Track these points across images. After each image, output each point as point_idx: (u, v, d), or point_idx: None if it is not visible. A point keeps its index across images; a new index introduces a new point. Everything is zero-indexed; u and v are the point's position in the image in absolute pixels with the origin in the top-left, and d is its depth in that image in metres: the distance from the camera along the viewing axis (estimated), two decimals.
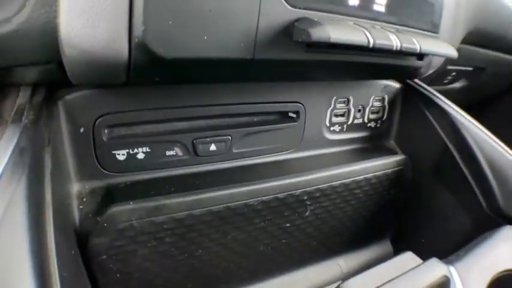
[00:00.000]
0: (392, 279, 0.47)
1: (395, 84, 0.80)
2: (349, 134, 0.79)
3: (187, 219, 0.56)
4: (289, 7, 0.47)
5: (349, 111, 0.76)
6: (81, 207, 0.53)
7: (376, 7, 0.55)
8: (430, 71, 0.74)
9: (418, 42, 0.55)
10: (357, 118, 0.78)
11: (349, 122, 0.77)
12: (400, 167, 0.78)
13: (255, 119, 0.66)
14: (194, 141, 0.59)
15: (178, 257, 0.60)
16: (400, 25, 0.58)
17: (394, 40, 0.51)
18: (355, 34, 0.48)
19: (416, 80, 0.82)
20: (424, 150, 0.79)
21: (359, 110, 0.77)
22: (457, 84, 1.18)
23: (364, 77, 0.73)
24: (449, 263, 0.52)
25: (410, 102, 0.81)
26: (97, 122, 0.52)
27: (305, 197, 0.67)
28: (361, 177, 0.73)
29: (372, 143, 0.83)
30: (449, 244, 0.65)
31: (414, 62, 0.66)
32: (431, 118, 0.77)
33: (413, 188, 0.82)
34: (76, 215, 0.52)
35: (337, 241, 0.80)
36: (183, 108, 0.57)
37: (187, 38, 0.42)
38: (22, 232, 0.33)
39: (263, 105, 0.65)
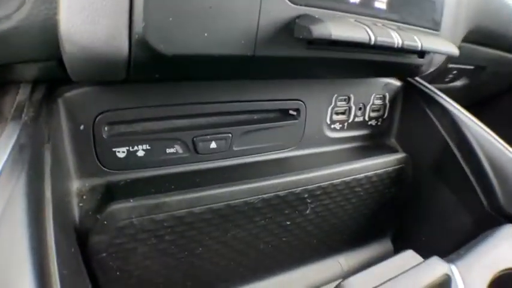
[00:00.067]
0: (393, 278, 0.47)
1: (396, 82, 0.80)
2: (349, 132, 0.78)
3: (187, 217, 0.56)
4: (290, 4, 0.47)
5: (350, 109, 0.76)
6: (81, 204, 0.53)
7: (377, 4, 0.55)
8: (431, 69, 0.74)
9: (419, 40, 0.54)
10: (357, 116, 0.77)
11: (350, 120, 0.77)
12: (400, 165, 0.78)
13: (256, 116, 0.65)
14: (194, 138, 0.59)
15: (179, 255, 0.60)
16: (401, 22, 0.58)
17: (395, 37, 0.51)
18: (357, 31, 0.48)
19: (417, 78, 0.82)
20: (425, 149, 0.79)
21: (360, 108, 0.77)
22: (457, 83, 1.18)
23: (365, 75, 0.72)
24: (450, 261, 0.52)
25: (411, 100, 0.81)
26: (97, 119, 0.52)
27: (306, 195, 0.67)
28: (362, 175, 0.72)
29: (373, 141, 0.83)
30: (450, 243, 0.65)
31: (415, 60, 0.66)
32: (432, 116, 0.77)
33: (414, 186, 0.82)
34: (76, 213, 0.52)
35: (337, 239, 0.80)
36: (184, 106, 0.57)
37: (187, 35, 0.42)
38: (22, 229, 0.33)
39: (264, 103, 0.64)
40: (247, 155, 0.67)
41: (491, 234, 0.58)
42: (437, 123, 0.76)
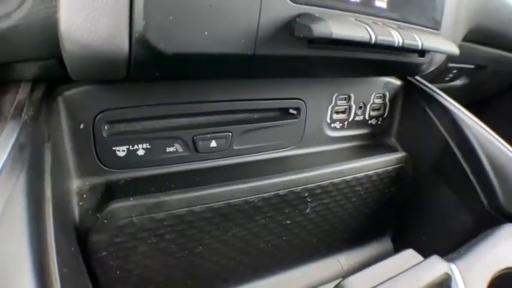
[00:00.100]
0: (394, 277, 0.47)
1: (397, 82, 0.80)
2: (350, 131, 0.78)
3: (187, 215, 0.56)
4: (290, 3, 0.47)
5: (350, 108, 0.76)
6: (81, 203, 0.53)
7: (377, 3, 0.55)
8: (432, 68, 0.74)
9: (419, 39, 0.54)
10: (357, 115, 0.77)
11: (350, 119, 0.77)
12: (400, 164, 0.78)
13: (256, 115, 0.65)
14: (194, 137, 0.59)
15: (179, 253, 0.60)
16: (402, 21, 0.58)
17: (396, 36, 0.51)
18: (357, 30, 0.48)
19: (417, 77, 0.82)
20: (425, 148, 0.79)
21: (360, 107, 0.77)
22: (458, 82, 1.18)
23: (366, 74, 0.72)
24: (450, 260, 0.52)
25: (411, 100, 0.81)
26: (97, 118, 0.52)
27: (306, 194, 0.67)
28: (362, 174, 0.72)
29: (373, 140, 0.83)
30: (450, 242, 0.65)
31: (416, 59, 0.66)
32: (432, 115, 0.77)
33: (414, 186, 0.82)
34: (76, 212, 0.52)
35: (337, 238, 0.80)
36: (184, 105, 0.57)
37: (188, 33, 0.42)
38: (22, 228, 0.33)
39: (264, 102, 0.64)
40: (248, 154, 0.67)
41: (491, 234, 0.58)
42: (437, 122, 0.76)
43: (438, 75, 1.02)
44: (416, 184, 0.81)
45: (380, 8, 0.55)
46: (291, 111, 0.69)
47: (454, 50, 0.62)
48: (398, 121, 0.83)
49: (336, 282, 0.48)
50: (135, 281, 0.58)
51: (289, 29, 0.47)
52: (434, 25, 0.64)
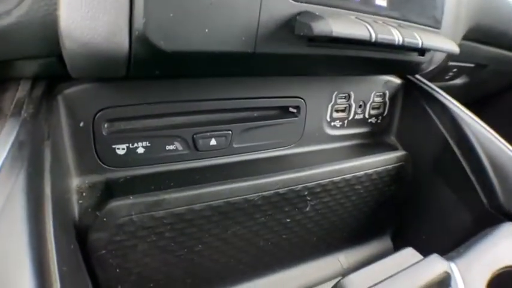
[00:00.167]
0: (393, 275, 0.47)
1: (397, 80, 0.80)
2: (349, 130, 0.78)
3: (187, 214, 0.56)
4: (291, 1, 0.47)
5: (350, 106, 0.76)
6: (80, 201, 0.53)
7: (378, 2, 0.55)
8: (432, 67, 0.74)
9: (420, 37, 0.54)
10: (357, 113, 0.77)
11: (350, 118, 0.77)
12: (400, 163, 0.78)
13: (256, 113, 0.65)
14: (194, 135, 0.59)
15: (178, 252, 0.60)
16: (402, 20, 0.58)
17: (396, 35, 0.51)
18: (358, 28, 0.48)
19: (417, 76, 0.82)
20: (424, 146, 0.79)
21: (360, 106, 0.77)
22: (458, 81, 1.18)
23: (366, 72, 0.72)
24: (450, 259, 0.52)
25: (411, 98, 0.81)
26: (97, 116, 0.52)
27: (305, 193, 0.67)
28: (362, 172, 0.72)
29: (373, 139, 0.83)
30: (449, 241, 0.65)
31: (416, 58, 0.66)
32: (432, 114, 0.77)
33: (413, 184, 0.82)
34: (75, 210, 0.52)
35: (337, 237, 0.80)
36: (184, 103, 0.57)
37: (188, 31, 0.42)
38: (21, 226, 0.33)
39: (264, 100, 0.64)
40: (247, 152, 0.67)
41: (491, 233, 0.58)
42: (437, 121, 0.76)
43: (438, 74, 1.02)
44: (416, 183, 0.81)
45: (380, 7, 0.55)
46: (291, 109, 0.69)
47: (454, 48, 0.62)
48: (398, 120, 0.83)
49: (336, 280, 0.48)
50: (135, 279, 0.58)
51: (290, 27, 0.47)
52: (435, 24, 0.64)
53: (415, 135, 0.81)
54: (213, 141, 0.61)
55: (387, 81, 0.78)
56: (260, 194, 0.62)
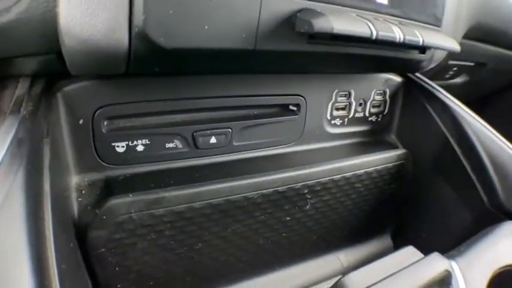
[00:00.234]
0: (394, 274, 0.47)
1: (397, 78, 0.80)
2: (350, 128, 0.78)
3: (187, 212, 0.56)
4: None
5: (350, 104, 0.75)
6: (79, 199, 0.52)
7: None
8: (432, 65, 0.74)
9: (421, 35, 0.54)
10: (358, 112, 0.77)
11: (350, 116, 0.77)
12: (400, 161, 0.78)
13: (256, 111, 0.65)
14: (194, 133, 0.59)
15: (178, 250, 0.60)
16: (403, 18, 0.58)
17: (397, 32, 0.51)
18: (358, 25, 0.48)
19: (417, 74, 0.82)
20: (425, 145, 0.79)
21: (360, 104, 0.77)
22: (458, 80, 1.18)
23: (366, 70, 0.72)
24: (450, 257, 0.52)
25: (412, 96, 0.81)
26: (96, 114, 0.52)
27: (305, 191, 0.66)
28: (362, 171, 0.72)
29: (373, 137, 0.83)
30: (449, 239, 0.65)
31: (416, 56, 0.66)
32: (432, 112, 0.77)
33: (414, 183, 0.82)
34: (75, 208, 0.52)
35: (337, 235, 0.80)
36: (184, 100, 0.57)
37: (188, 28, 0.42)
38: (20, 224, 0.33)
39: (264, 98, 0.64)
40: (247, 150, 0.66)
41: (492, 231, 0.58)
42: (437, 119, 0.76)
43: (438, 73, 1.02)
44: (416, 181, 0.81)
45: (381, 4, 0.55)
46: (291, 107, 0.68)
47: (455, 46, 0.62)
48: (398, 118, 0.83)
49: (336, 279, 0.48)
50: (134, 278, 0.58)
51: (290, 24, 0.47)
52: (435, 22, 0.64)
53: (416, 133, 0.81)
54: (213, 139, 0.61)
55: (388, 80, 0.78)
56: (260, 192, 0.61)
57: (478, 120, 0.73)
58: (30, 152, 0.39)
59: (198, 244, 0.61)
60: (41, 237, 0.34)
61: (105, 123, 0.53)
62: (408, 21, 0.59)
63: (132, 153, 0.56)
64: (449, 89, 0.84)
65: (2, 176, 0.35)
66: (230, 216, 0.61)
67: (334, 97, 0.73)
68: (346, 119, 0.77)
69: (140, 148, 0.56)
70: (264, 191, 0.62)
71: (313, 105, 0.70)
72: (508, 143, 0.70)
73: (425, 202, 0.81)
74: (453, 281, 0.49)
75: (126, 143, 0.55)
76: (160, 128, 0.57)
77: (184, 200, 0.55)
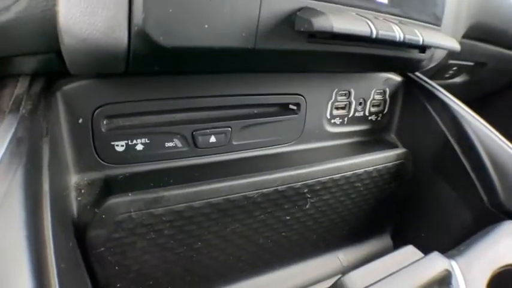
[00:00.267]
0: (394, 273, 0.47)
1: (397, 78, 0.80)
2: (350, 127, 0.78)
3: (186, 211, 0.56)
4: None
5: (350, 104, 0.75)
6: (79, 198, 0.52)
7: None
8: (432, 64, 0.74)
9: (421, 34, 0.54)
10: (357, 111, 0.77)
11: (350, 115, 0.77)
12: (400, 161, 0.78)
13: (256, 110, 0.65)
14: (194, 132, 0.59)
15: (177, 249, 0.60)
16: (403, 17, 0.58)
17: (397, 31, 0.51)
18: (358, 24, 0.48)
19: (417, 74, 0.82)
20: (425, 144, 0.79)
21: (360, 103, 0.77)
22: (458, 79, 1.18)
23: (366, 69, 0.72)
24: (450, 257, 0.51)
25: (411, 96, 0.81)
26: (96, 113, 0.52)
27: (305, 190, 0.66)
28: (362, 170, 0.72)
29: (373, 136, 0.83)
30: (449, 239, 0.65)
31: (416, 55, 0.66)
32: (432, 111, 0.77)
33: (413, 182, 0.81)
34: (74, 207, 0.52)
35: (337, 234, 0.80)
36: (183, 99, 0.57)
37: (187, 27, 0.42)
38: (19, 223, 0.32)
39: (264, 97, 0.64)
40: (247, 150, 0.66)
41: (491, 231, 0.57)
42: (437, 118, 0.76)
43: (438, 72, 1.02)
44: (416, 180, 0.81)
45: (381, 3, 0.55)
46: (291, 106, 0.68)
47: (455, 46, 0.62)
48: (398, 117, 0.83)
49: (336, 278, 0.48)
50: (134, 277, 0.58)
51: (290, 22, 0.47)
52: (435, 21, 0.64)
53: (415, 132, 0.80)
54: (212, 138, 0.61)
55: (387, 79, 0.78)
56: (260, 191, 0.61)
57: (478, 120, 0.73)
58: (30, 151, 0.39)
59: (198, 243, 0.61)
60: (40, 236, 0.34)
61: (104, 122, 0.53)
62: (408, 20, 0.59)
63: (131, 152, 0.56)
64: (449, 88, 0.84)
65: (1, 175, 0.35)
66: (230, 215, 0.61)
67: (334, 96, 0.72)
68: (346, 118, 0.77)
69: (140, 147, 0.56)
70: (263, 190, 0.62)
71: (313, 105, 0.70)
72: (508, 143, 0.70)
73: (425, 201, 0.81)
74: (453, 281, 0.49)
75: (126, 142, 0.55)
76: (160, 127, 0.57)
77: (184, 199, 0.55)
